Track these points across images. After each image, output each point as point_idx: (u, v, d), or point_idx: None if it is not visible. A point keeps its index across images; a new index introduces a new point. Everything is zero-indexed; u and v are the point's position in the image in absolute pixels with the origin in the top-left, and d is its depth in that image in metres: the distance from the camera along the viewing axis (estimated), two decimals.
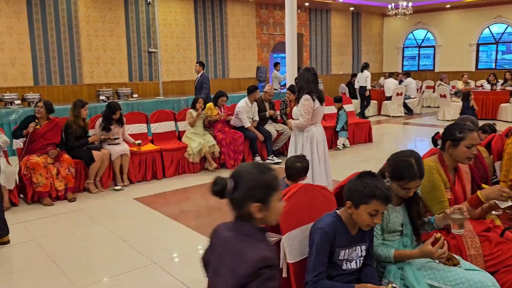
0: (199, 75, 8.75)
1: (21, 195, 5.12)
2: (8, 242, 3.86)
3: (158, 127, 6.55)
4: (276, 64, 12.33)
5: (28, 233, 4.16)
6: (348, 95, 12.27)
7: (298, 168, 3.24)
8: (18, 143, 5.17)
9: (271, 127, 7.24)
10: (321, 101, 4.23)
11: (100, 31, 10.16)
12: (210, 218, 4.53)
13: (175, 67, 11.56)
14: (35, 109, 5.10)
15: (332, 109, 8.22)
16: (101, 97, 9.13)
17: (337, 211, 2.00)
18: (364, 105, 11.73)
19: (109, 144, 5.63)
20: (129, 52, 10.68)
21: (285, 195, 2.09)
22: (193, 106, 6.53)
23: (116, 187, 5.57)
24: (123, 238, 4.00)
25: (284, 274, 2.13)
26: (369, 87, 11.53)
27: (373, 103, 12.52)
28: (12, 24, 8.95)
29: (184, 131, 6.58)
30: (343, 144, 7.97)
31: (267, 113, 7.19)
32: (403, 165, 2.10)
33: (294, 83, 7.70)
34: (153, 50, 10.93)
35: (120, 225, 4.35)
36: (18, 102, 8.24)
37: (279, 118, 7.44)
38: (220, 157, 6.51)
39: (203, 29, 12.02)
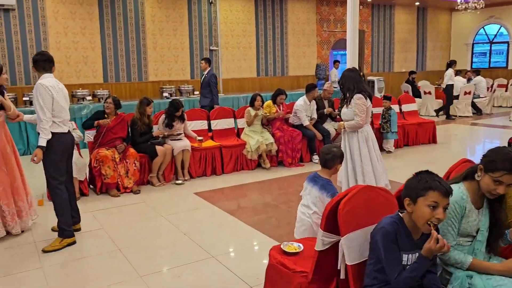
0: (206, 72, 8.25)
1: (91, 186, 5.46)
2: (79, 229, 4.13)
3: (218, 124, 6.70)
4: (335, 62, 12.15)
5: (97, 222, 4.42)
6: (411, 93, 11.83)
7: (335, 152, 3.08)
8: (89, 137, 5.51)
9: (329, 126, 7.16)
10: (371, 99, 4.23)
11: (165, 30, 10.55)
12: (266, 216, 4.57)
13: (235, 65, 11.74)
14: (105, 104, 5.40)
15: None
16: (165, 94, 9.49)
17: (399, 213, 1.94)
18: (445, 104, 11.24)
19: (171, 140, 5.84)
20: (191, 50, 10.99)
21: (345, 196, 2.06)
22: (252, 104, 6.60)
23: (177, 181, 5.78)
24: (183, 230, 4.15)
25: (342, 276, 2.11)
26: (443, 85, 11.07)
27: (438, 102, 11.98)
28: (85, 25, 9.53)
29: (243, 128, 6.68)
30: (386, 148, 7.48)
31: (325, 110, 7.11)
32: (503, 156, 2.00)
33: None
34: (214, 48, 11.18)
35: (180, 218, 4.50)
36: (89, 98, 8.77)
37: (338, 116, 7.33)
38: (277, 155, 6.54)
39: (263, 27, 12.09)
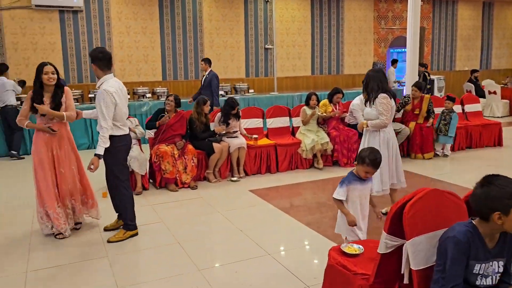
0: (207, 73, 8.08)
1: (151, 180, 5.67)
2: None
3: (273, 122, 6.72)
4: (394, 62, 11.79)
5: (156, 215, 4.59)
6: (474, 93, 11.26)
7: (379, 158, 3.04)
8: (150, 133, 5.73)
9: None
10: (395, 99, 4.29)
11: (221, 29, 10.73)
12: (320, 215, 4.54)
13: (290, 63, 11.73)
14: (166, 101, 5.58)
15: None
16: (220, 92, 9.64)
17: (472, 221, 1.86)
18: None
19: (228, 137, 5.95)
20: (247, 49, 11.10)
21: (411, 199, 2.01)
22: (307, 103, 6.56)
23: (232, 178, 5.87)
24: (239, 227, 4.21)
25: (406, 281, 2.06)
26: None
27: (504, 102, 11.31)
28: (146, 25, 9.91)
29: (298, 127, 6.66)
30: (443, 151, 7.12)
31: None
32: None
33: (419, 80, 7.33)
34: (269, 46, 11.22)
35: (236, 215, 4.57)
36: (149, 95, 9.11)
37: (396, 116, 7.12)
38: (333, 154, 6.46)
39: (319, 25, 11.98)
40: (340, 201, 3.03)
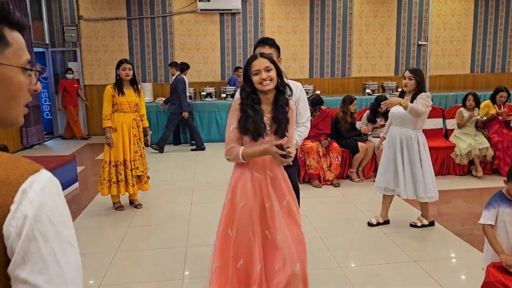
0: (174, 77, 7.87)
1: None
2: None
3: (425, 124, 6.31)
4: None
5: (300, 208, 4.74)
6: None
7: None
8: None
9: None
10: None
11: (371, 26, 10.46)
12: (473, 227, 4.14)
13: (445, 61, 10.86)
14: None
15: None
16: (367, 90, 9.46)
17: None
18: None
19: (374, 137, 5.82)
20: (398, 46, 10.62)
21: None
22: (464, 104, 6.03)
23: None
24: (382, 229, 4.11)
25: None
26: None
27: None
28: (297, 24, 10.20)
29: (453, 129, 6.17)
30: None
31: None
32: None
33: None
34: (423, 43, 10.55)
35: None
36: None
37: None
38: (493, 162, 5.83)
39: (483, 17, 10.81)
40: (490, 228, 2.47)
